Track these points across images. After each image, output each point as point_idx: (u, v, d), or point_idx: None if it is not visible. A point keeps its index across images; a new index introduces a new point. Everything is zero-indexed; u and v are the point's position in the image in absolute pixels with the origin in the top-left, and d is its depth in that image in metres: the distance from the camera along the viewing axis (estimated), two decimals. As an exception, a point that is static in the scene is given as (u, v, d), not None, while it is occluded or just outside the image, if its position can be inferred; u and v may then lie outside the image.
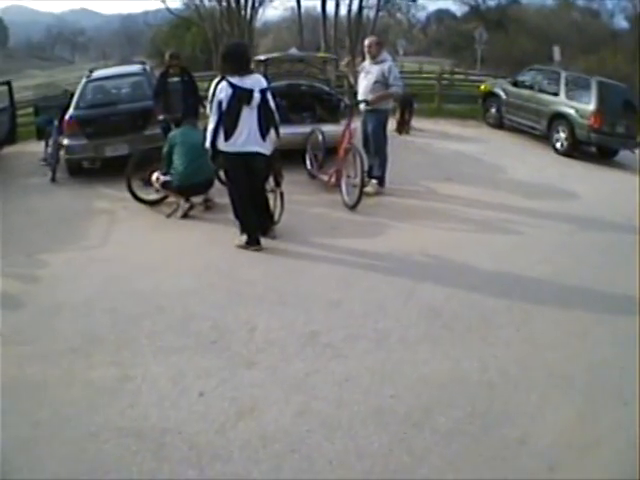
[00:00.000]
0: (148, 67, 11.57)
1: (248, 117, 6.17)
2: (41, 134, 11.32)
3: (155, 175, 8.04)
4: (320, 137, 9.33)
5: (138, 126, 9.89)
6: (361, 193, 8.03)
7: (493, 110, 14.98)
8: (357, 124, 9.22)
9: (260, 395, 4.33)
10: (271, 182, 7.32)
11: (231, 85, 6.05)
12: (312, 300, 5.73)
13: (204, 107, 9.48)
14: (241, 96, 6.09)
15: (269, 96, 6.38)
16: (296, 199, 8.63)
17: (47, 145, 10.73)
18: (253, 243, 6.75)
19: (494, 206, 8.47)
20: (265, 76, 10.35)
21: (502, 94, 14.59)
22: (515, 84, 14.37)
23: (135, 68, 12.05)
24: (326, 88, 11.13)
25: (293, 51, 11.96)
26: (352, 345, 4.93)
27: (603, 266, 6.61)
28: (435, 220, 7.87)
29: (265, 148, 6.43)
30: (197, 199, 8.31)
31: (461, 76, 24.71)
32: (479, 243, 7.16)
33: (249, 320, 5.36)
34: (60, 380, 4.58)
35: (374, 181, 8.82)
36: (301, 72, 11.43)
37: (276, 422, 4.04)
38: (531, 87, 13.72)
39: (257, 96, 6.18)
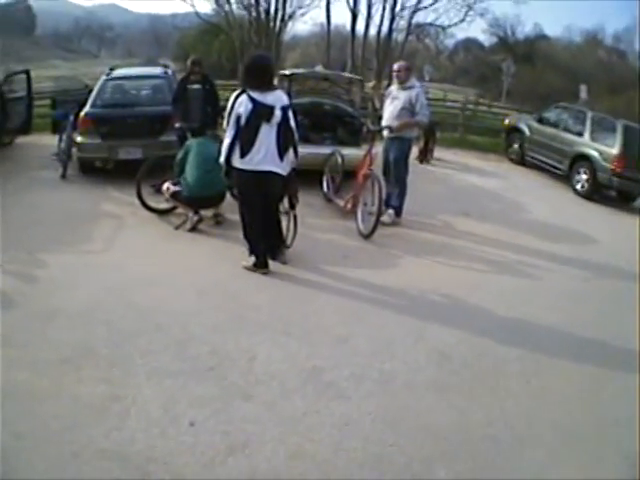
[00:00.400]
0: (170, 71, 11.40)
1: (267, 135, 5.93)
2: (56, 128, 11.18)
3: (166, 184, 7.89)
4: (339, 160, 9.12)
5: (154, 131, 9.71)
6: (377, 222, 7.82)
7: (516, 146, 14.76)
8: (379, 150, 9.07)
9: (254, 431, 4.10)
10: (285, 204, 7.13)
11: (252, 100, 5.81)
12: (318, 333, 5.52)
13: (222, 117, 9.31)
14: (261, 112, 5.85)
15: (290, 114, 6.13)
16: (309, 223, 8.48)
17: (61, 140, 10.57)
18: (261, 266, 6.52)
19: (510, 246, 8.24)
20: (288, 92, 10.29)
21: (526, 130, 14.39)
22: (540, 121, 14.17)
23: (156, 71, 11.85)
24: (350, 109, 10.91)
25: (319, 68, 11.82)
26: (356, 386, 4.70)
27: (618, 317, 6.35)
28: (450, 257, 7.65)
29: (282, 168, 6.18)
30: (207, 213, 8.13)
31: (485, 107, 24.48)
32: (493, 285, 6.92)
33: (250, 348, 5.15)
34: (48, 391, 4.40)
35: (391, 211, 8.61)
36: (325, 91, 11.20)
37: (268, 462, 3.82)
38: (556, 125, 13.51)
39: (278, 114, 5.94)
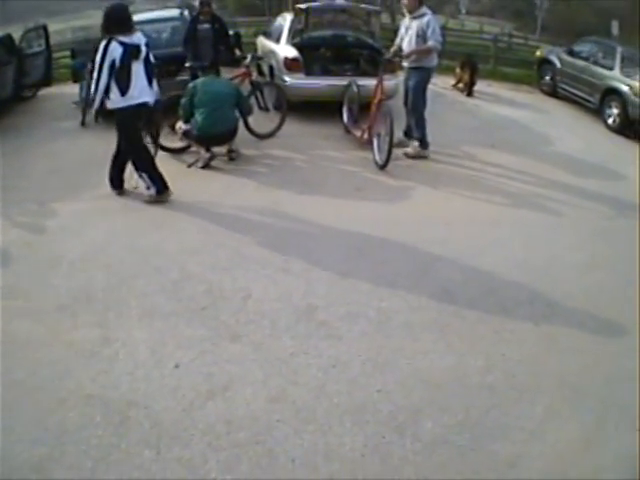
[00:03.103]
0: (187, 12, 11.15)
1: (138, 71, 6.42)
2: (76, 77, 11.24)
3: (178, 124, 7.79)
4: (356, 90, 8.87)
5: (170, 72, 9.53)
6: (390, 152, 7.59)
7: (547, 77, 14.30)
8: (396, 81, 8.97)
9: (237, 373, 4.01)
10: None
11: (121, 43, 6.25)
12: (318, 269, 5.34)
13: (234, 53, 9.41)
14: (131, 52, 6.31)
15: (148, 50, 6.59)
16: (326, 155, 8.37)
17: (81, 88, 10.58)
18: (164, 191, 6.78)
19: (535, 180, 7.83)
20: (306, 25, 10.04)
21: (557, 62, 13.92)
22: (571, 53, 13.65)
23: (173, 13, 11.82)
24: (370, 41, 10.67)
25: (339, 1, 11.36)
26: (349, 325, 4.53)
27: None
28: (469, 189, 7.30)
29: (152, 97, 6.69)
30: (221, 149, 7.98)
31: (520, 40, 23.77)
32: (512, 220, 6.56)
33: (246, 286, 5.03)
34: (43, 339, 4.40)
35: (415, 143, 8.34)
36: (344, 23, 10.89)
37: (247, 406, 3.72)
38: (586, 58, 12.95)
39: (144, 49, 6.45)
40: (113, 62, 6.23)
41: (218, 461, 3.32)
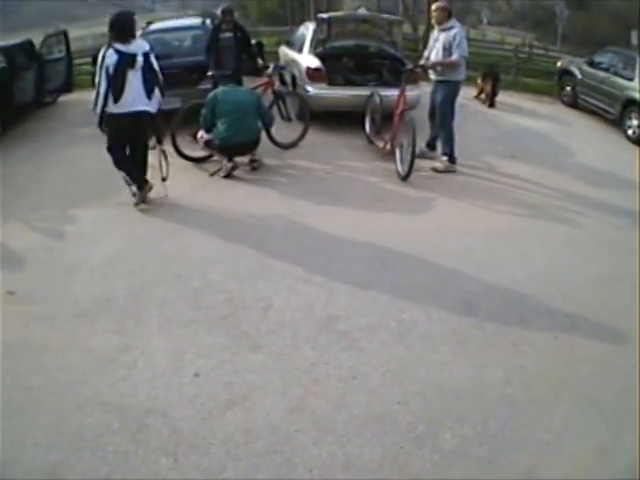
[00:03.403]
0: (209, 21, 11.22)
1: (133, 79, 6.48)
2: None
3: (200, 133, 7.81)
4: (378, 100, 8.86)
5: (192, 80, 9.61)
6: (412, 163, 7.55)
7: (568, 88, 14.25)
8: (418, 91, 8.95)
9: (257, 383, 3.99)
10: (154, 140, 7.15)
11: (117, 51, 6.36)
12: (339, 280, 5.31)
13: (257, 62, 9.47)
14: (126, 60, 6.40)
15: (153, 59, 6.70)
16: (349, 165, 8.37)
17: (101, 95, 10.59)
18: (145, 189, 6.91)
19: (555, 191, 7.75)
20: (328, 35, 10.07)
21: (577, 73, 13.88)
22: (591, 64, 13.62)
23: (194, 21, 11.90)
24: (392, 51, 10.69)
25: (362, 11, 11.41)
26: (370, 336, 4.50)
27: None
28: (490, 201, 7.24)
29: (151, 107, 6.71)
30: (243, 159, 7.98)
31: (540, 51, 23.70)
32: (532, 231, 6.49)
33: (267, 296, 5.02)
34: (61, 345, 4.41)
35: (444, 157, 8.28)
36: (366, 33, 10.92)
37: (266, 416, 3.70)
38: (607, 69, 12.89)
39: (140, 59, 6.50)
40: (108, 70, 6.37)
41: (236, 470, 3.30)
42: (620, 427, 3.73)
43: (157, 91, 6.76)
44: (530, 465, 3.40)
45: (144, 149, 6.95)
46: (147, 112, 6.64)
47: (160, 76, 6.79)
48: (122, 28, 6.50)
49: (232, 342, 4.42)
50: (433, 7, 8.21)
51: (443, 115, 8.15)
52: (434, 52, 8.09)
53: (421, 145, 8.33)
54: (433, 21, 8.35)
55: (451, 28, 7.83)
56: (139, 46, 6.58)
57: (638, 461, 3.29)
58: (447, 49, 7.80)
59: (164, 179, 6.99)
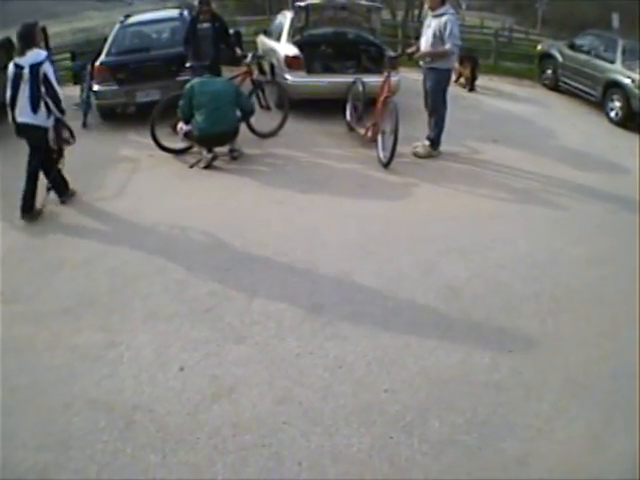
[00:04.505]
0: (186, 12, 11.10)
1: (23, 91, 6.41)
2: (77, 79, 11.29)
3: (180, 124, 7.75)
4: (361, 87, 8.84)
5: (171, 72, 9.55)
6: (394, 149, 7.51)
7: (549, 71, 14.21)
8: (399, 77, 8.92)
9: (243, 375, 3.99)
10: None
11: (14, 64, 6.42)
12: (323, 268, 5.31)
13: (235, 52, 9.33)
14: (17, 72, 6.39)
15: (43, 70, 6.39)
16: (329, 152, 8.33)
17: (82, 90, 10.60)
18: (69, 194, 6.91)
19: (538, 174, 7.74)
20: (306, 23, 9.99)
21: (558, 56, 13.83)
22: (572, 47, 13.59)
23: (172, 13, 11.80)
24: (371, 37, 10.60)
25: (340, -2, 11.27)
26: (355, 325, 4.50)
27: None
28: (473, 185, 7.21)
29: (38, 120, 6.49)
30: (222, 149, 7.93)
31: (521, 35, 23.76)
32: (516, 215, 6.49)
33: (251, 287, 5.01)
34: (46, 343, 4.40)
35: (427, 142, 8.23)
36: (345, 20, 10.80)
37: (253, 409, 3.70)
38: (588, 52, 12.86)
39: (26, 72, 6.35)
40: (9, 80, 6.42)
41: (224, 464, 3.30)
42: (611, 410, 3.74)
43: (52, 105, 6.44)
44: (521, 452, 3.41)
45: (34, 162, 6.69)
46: (31, 125, 6.48)
47: (56, 89, 6.47)
48: (20, 39, 6.51)
49: (216, 334, 4.41)
50: None
51: (434, 102, 8.06)
52: (424, 39, 7.95)
53: (411, 132, 8.30)
54: (427, 6, 8.26)
55: (442, 15, 7.67)
56: (30, 57, 6.41)
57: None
58: (437, 37, 7.65)
59: (72, 193, 6.90)
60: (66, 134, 6.81)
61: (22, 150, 6.68)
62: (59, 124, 6.68)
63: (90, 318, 4.67)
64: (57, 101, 6.49)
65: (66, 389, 3.91)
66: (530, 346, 4.35)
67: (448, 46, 7.60)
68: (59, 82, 6.64)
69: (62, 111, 6.58)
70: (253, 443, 3.43)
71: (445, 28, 7.56)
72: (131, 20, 11.10)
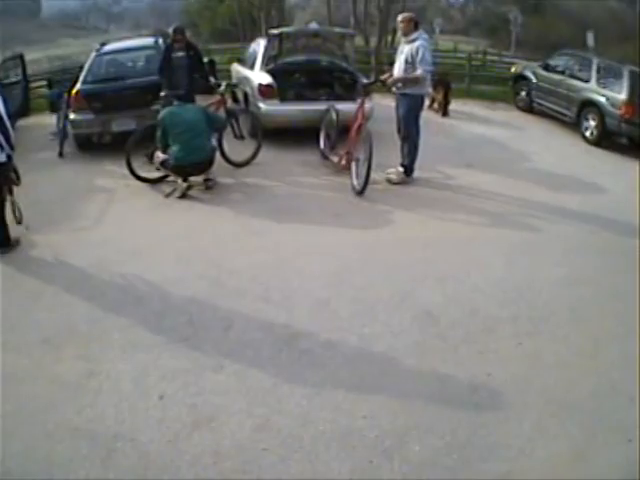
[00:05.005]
0: (161, 40, 11.20)
1: None
2: (54, 107, 11.29)
3: (156, 153, 7.83)
4: (334, 115, 8.93)
5: (147, 101, 9.57)
6: (368, 177, 7.60)
7: (523, 93, 14.42)
8: (371, 104, 9.03)
9: (221, 404, 4.04)
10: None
11: None
12: (298, 297, 5.38)
13: (209, 80, 9.39)
14: None
15: None
16: (304, 181, 8.42)
17: (59, 118, 10.59)
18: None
19: (514, 198, 7.89)
20: (280, 51, 10.11)
21: (532, 77, 14.03)
22: (546, 68, 13.79)
23: (147, 41, 11.85)
24: (344, 65, 10.72)
25: (313, 26, 11.44)
26: (332, 353, 4.56)
27: (624, 272, 5.84)
28: (448, 211, 7.35)
29: None
30: (197, 179, 8.02)
31: (495, 57, 24.06)
32: (492, 239, 6.61)
33: (227, 316, 5.06)
34: (28, 373, 4.42)
35: (400, 169, 8.31)
36: (318, 47, 10.94)
37: (232, 436, 3.74)
38: (562, 72, 13.08)
39: None
40: None
41: (206, 492, 3.32)
42: (593, 428, 3.83)
43: (2, 139, 6.18)
44: (503, 471, 3.48)
45: None
46: None
47: (6, 124, 6.25)
48: None
49: (194, 364, 4.45)
50: (399, 18, 8.17)
51: (407, 128, 8.14)
52: (397, 65, 8.05)
53: (383, 160, 8.32)
54: (399, 33, 8.35)
55: (415, 40, 7.78)
56: None
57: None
58: (409, 62, 7.75)
59: (19, 222, 6.67)
60: (13, 175, 6.56)
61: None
62: (9, 161, 6.41)
63: (70, 348, 4.68)
64: (7, 136, 6.27)
65: (48, 417, 3.94)
66: (509, 368, 4.42)
67: (419, 72, 7.69)
68: (10, 116, 6.50)
69: (12, 147, 6.34)
70: (234, 469, 3.47)
71: (417, 53, 7.66)
72: (107, 48, 11.14)
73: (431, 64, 7.94)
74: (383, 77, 8.53)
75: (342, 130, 8.75)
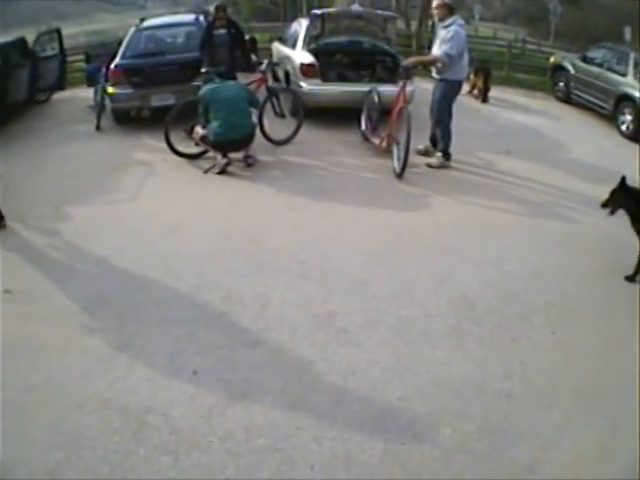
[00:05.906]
0: (202, 18, 11.16)
1: None
2: (91, 81, 11.32)
3: (196, 128, 7.80)
4: (376, 97, 8.78)
5: (186, 77, 9.53)
6: (406, 160, 7.52)
7: (561, 84, 14.24)
8: (413, 87, 8.95)
9: (256, 380, 4.00)
10: None
11: None
12: (337, 276, 5.32)
13: (251, 58, 9.38)
14: None
15: None
16: (344, 161, 8.34)
17: (96, 92, 10.64)
18: None
19: (551, 187, 7.72)
20: (322, 31, 10.02)
21: (571, 68, 13.85)
22: (585, 60, 13.60)
23: (188, 18, 11.82)
24: (387, 47, 10.61)
25: (355, 7, 11.29)
26: (369, 333, 4.50)
27: None
28: (486, 197, 7.18)
29: None
30: (237, 155, 7.97)
31: (533, 46, 23.80)
32: (528, 227, 6.46)
33: (264, 293, 5.01)
34: (59, 344, 4.40)
35: (439, 154, 8.23)
36: (361, 29, 10.83)
37: (266, 414, 3.70)
38: (600, 65, 12.90)
39: None
40: None
41: (237, 468, 3.31)
42: (619, 421, 3.74)
43: None
44: (530, 459, 3.43)
45: None
46: None
47: None
48: None
49: (230, 339, 4.42)
50: (434, 4, 8.06)
51: (439, 113, 8.08)
52: (433, 49, 8.01)
53: (425, 142, 8.36)
54: (435, 18, 8.28)
55: (450, 25, 7.69)
56: None
57: (638, 461, 3.29)
58: (441, 47, 7.70)
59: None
60: None
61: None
62: None
63: (103, 320, 4.69)
64: None
65: (79, 389, 3.93)
66: (541, 356, 4.35)
67: (437, 54, 7.68)
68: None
69: None
70: (266, 447, 3.43)
71: (448, 37, 7.61)
72: (147, 23, 11.12)
73: (459, 50, 7.72)
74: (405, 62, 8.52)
75: (383, 112, 8.63)
